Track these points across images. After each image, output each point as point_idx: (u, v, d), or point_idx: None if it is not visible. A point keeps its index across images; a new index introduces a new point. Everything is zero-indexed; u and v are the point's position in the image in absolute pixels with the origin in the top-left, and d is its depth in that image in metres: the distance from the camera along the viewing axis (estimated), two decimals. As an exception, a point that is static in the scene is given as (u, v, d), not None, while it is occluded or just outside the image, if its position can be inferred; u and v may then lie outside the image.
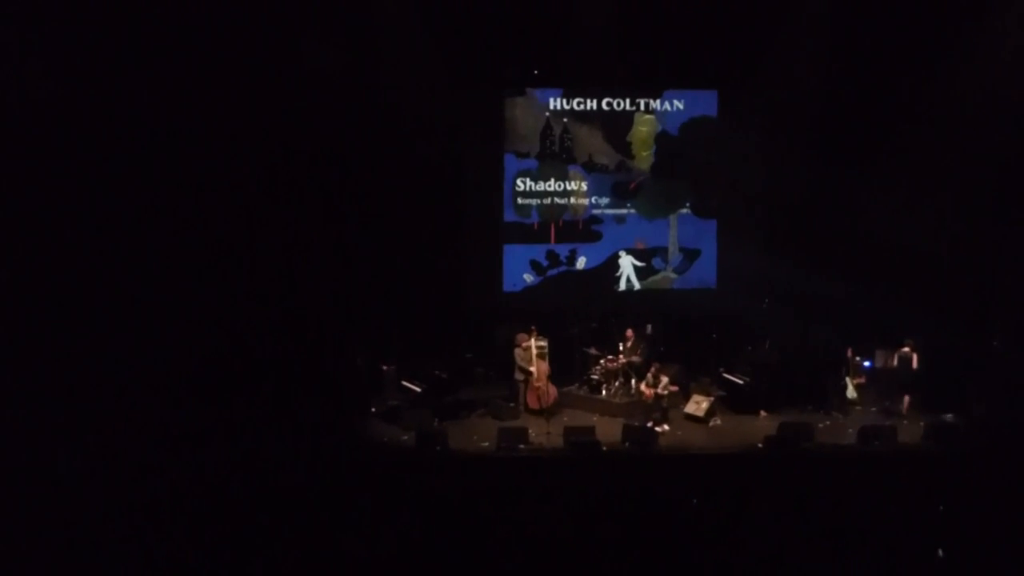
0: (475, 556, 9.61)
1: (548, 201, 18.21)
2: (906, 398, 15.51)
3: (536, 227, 18.24)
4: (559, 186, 18.20)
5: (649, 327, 16.87)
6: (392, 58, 16.19)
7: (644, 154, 18.25)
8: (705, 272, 18.63)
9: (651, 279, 18.57)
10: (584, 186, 18.24)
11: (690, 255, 18.62)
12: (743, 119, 17.78)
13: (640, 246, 18.49)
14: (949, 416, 14.96)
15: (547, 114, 18.07)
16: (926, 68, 16.40)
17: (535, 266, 18.33)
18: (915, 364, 15.46)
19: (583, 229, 18.34)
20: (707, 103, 18.31)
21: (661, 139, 18.22)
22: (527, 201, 18.20)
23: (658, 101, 18.23)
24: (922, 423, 14.55)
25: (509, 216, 18.19)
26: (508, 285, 18.28)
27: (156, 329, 12.70)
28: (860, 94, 16.65)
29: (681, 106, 18.24)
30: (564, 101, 18.09)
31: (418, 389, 15.30)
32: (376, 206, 16.57)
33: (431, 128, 16.84)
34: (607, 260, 18.46)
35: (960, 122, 16.20)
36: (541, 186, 18.17)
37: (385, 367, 16.00)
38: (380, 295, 16.49)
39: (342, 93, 15.32)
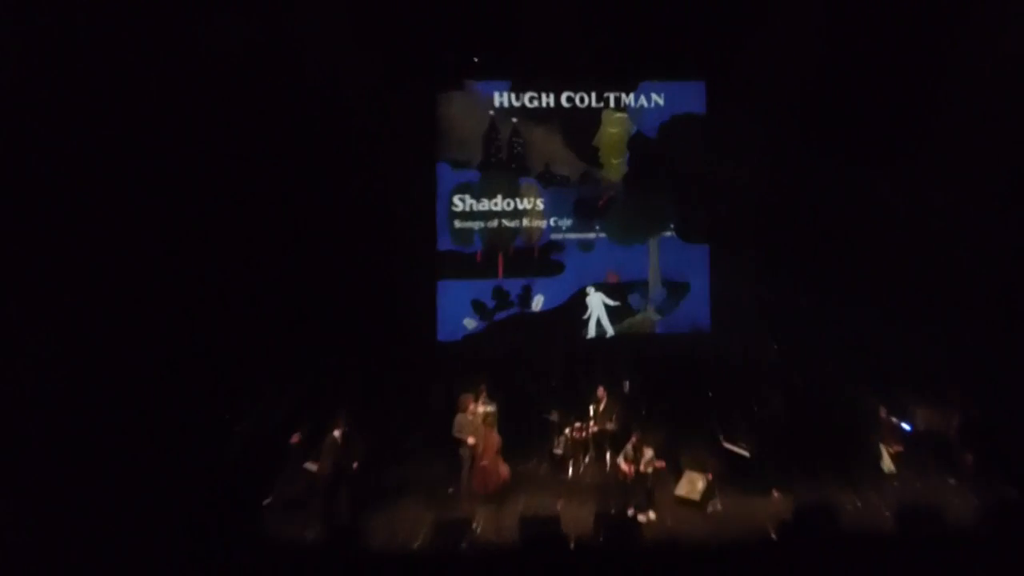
0: None
1: (494, 224, 17.31)
2: (968, 458, 14.38)
3: (479, 257, 17.28)
4: (508, 204, 17.30)
5: (627, 384, 15.96)
6: (300, 45, 14.88)
7: (615, 162, 17.40)
8: (696, 311, 17.72)
9: (628, 321, 17.63)
10: (540, 204, 17.42)
11: (676, 290, 17.69)
12: (738, 116, 16.93)
13: (613, 279, 17.57)
14: (1013, 492, 13.56)
15: (491, 113, 17.29)
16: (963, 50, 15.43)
17: (478, 308, 17.39)
18: (956, 423, 14.43)
19: (540, 259, 17.52)
20: (693, 97, 17.75)
21: (636, 143, 17.53)
22: (467, 224, 17.26)
23: (632, 95, 17.63)
24: (979, 500, 13.57)
25: (444, 243, 17.29)
26: (445, 332, 17.18)
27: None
28: (881, 83, 15.71)
29: (661, 101, 17.63)
30: (513, 96, 17.34)
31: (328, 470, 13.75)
32: (274, 233, 15.03)
33: (344, 132, 15.62)
34: (571, 299, 17.57)
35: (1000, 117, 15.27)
36: (485, 204, 17.28)
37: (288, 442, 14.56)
38: (278, 347, 14.85)
39: (237, 88, 14.16)
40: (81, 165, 12.74)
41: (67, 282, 12.71)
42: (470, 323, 17.06)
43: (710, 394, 16.21)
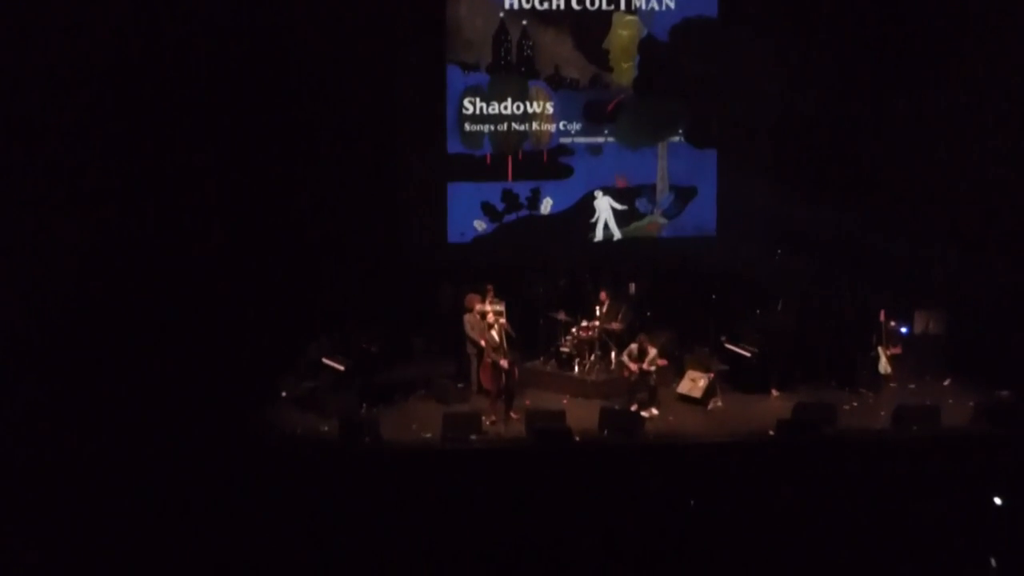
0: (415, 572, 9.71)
1: (503, 127, 18.38)
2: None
3: (489, 160, 18.48)
4: (517, 107, 18.37)
5: (632, 286, 17.13)
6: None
7: (625, 66, 18.46)
8: (702, 216, 18.95)
9: (635, 225, 18.89)
10: (549, 107, 18.46)
11: (684, 194, 18.93)
12: (750, 20, 17.83)
13: (621, 184, 18.76)
14: (1004, 393, 15.23)
15: (501, 14, 18.14)
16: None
17: (488, 210, 18.70)
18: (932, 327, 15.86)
19: (549, 162, 18.62)
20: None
21: (647, 46, 18.42)
22: (476, 127, 18.34)
23: (643, -3, 18.06)
24: (971, 402, 14.79)
25: (454, 147, 18.33)
26: (454, 234, 18.63)
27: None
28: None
29: (672, 3, 18.32)
30: (524, -4, 17.99)
31: (342, 367, 15.18)
32: (284, 137, 16.45)
33: (349, 35, 16.75)
34: (579, 202, 18.80)
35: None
36: (495, 107, 18.33)
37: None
38: (290, 249, 16.39)
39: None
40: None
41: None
42: (480, 225, 18.36)
43: (714, 296, 17.52)
